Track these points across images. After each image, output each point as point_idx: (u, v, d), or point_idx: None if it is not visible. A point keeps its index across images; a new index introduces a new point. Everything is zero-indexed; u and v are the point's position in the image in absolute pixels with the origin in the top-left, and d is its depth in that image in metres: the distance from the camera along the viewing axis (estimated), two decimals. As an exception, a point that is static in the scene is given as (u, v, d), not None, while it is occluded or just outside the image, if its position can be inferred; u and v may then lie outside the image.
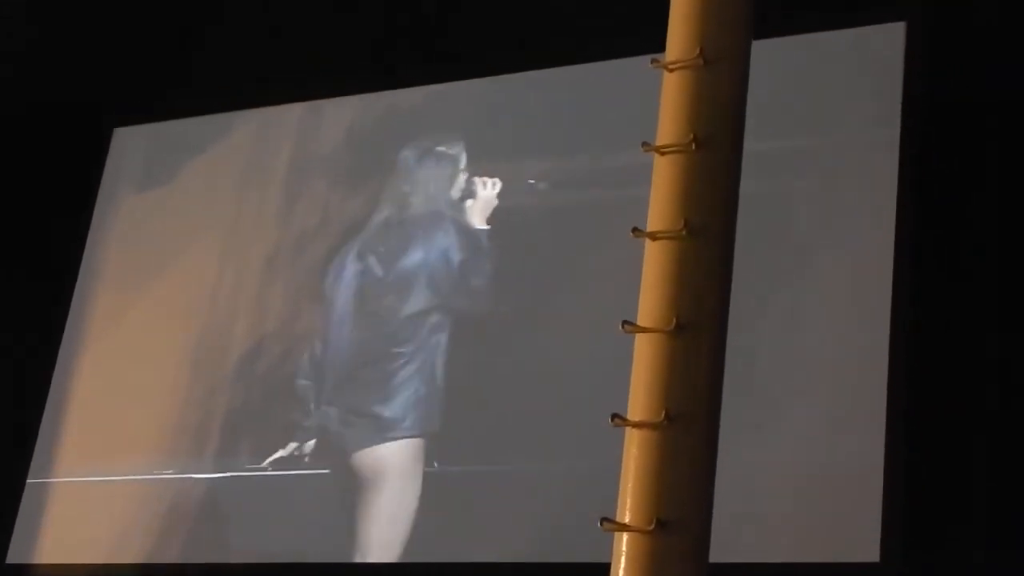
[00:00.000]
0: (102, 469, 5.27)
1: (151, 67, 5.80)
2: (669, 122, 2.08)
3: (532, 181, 4.87)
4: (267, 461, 5.00)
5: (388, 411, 4.82)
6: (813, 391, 4.14)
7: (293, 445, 4.97)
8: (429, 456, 4.72)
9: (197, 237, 5.49)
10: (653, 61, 2.16)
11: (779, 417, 4.15)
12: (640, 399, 1.91)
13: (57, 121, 5.76)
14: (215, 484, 5.06)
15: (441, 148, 5.10)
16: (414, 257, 4.97)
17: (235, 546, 4.96)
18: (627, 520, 1.86)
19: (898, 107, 4.20)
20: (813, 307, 4.23)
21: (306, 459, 4.94)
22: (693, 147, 2.03)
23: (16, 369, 5.57)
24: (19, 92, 5.83)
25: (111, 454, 5.28)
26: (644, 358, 1.94)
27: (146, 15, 5.85)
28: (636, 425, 1.89)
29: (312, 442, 4.94)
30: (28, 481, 5.39)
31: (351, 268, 5.12)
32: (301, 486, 4.92)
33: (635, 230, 2.04)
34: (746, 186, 2.07)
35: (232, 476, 5.04)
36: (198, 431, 5.16)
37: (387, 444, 4.79)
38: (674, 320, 1.93)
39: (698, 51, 2.09)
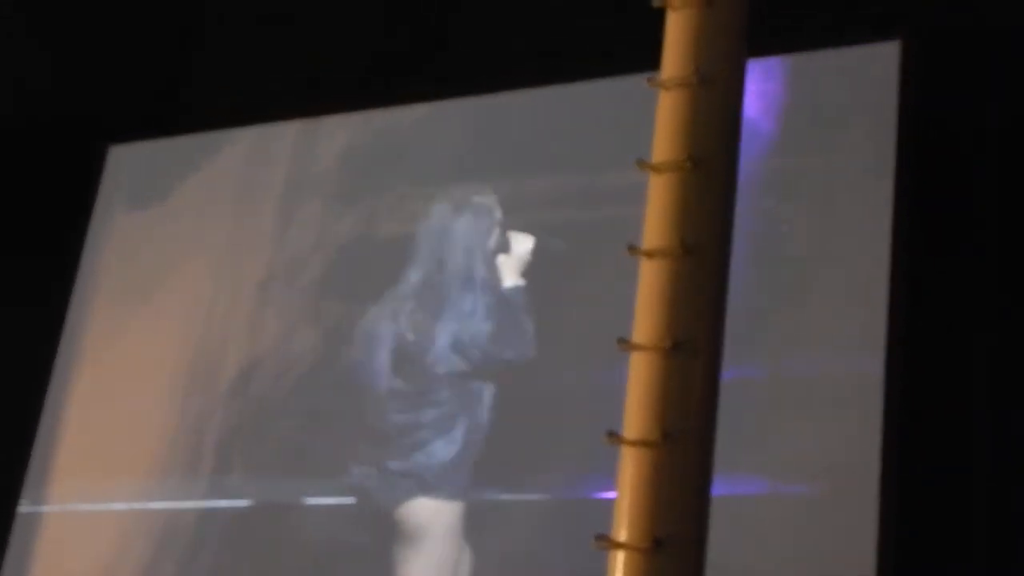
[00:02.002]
0: (94, 497, 5.25)
1: (146, 85, 5.81)
2: (664, 141, 2.08)
3: (529, 199, 4.87)
4: (261, 490, 4.98)
5: (384, 437, 4.82)
6: (808, 410, 4.14)
7: (289, 473, 4.97)
8: (430, 486, 4.72)
9: (192, 256, 5.49)
10: (649, 80, 2.16)
11: (774, 436, 4.14)
12: (635, 417, 1.91)
13: (52, 139, 5.76)
14: (207, 513, 5.04)
15: (439, 168, 5.10)
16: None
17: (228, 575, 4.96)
18: (623, 538, 1.86)
19: (893, 126, 4.21)
20: (808, 326, 4.23)
21: (303, 488, 4.92)
22: (689, 166, 2.02)
23: (8, 396, 5.55)
24: (15, 110, 5.83)
25: (103, 482, 5.26)
26: (639, 377, 1.93)
27: (142, 34, 5.86)
28: (632, 443, 1.89)
29: (309, 471, 4.94)
30: (19, 510, 5.36)
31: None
32: (296, 516, 4.90)
33: (631, 248, 2.04)
34: (741, 205, 2.07)
35: (224, 505, 5.02)
36: (191, 458, 5.15)
37: (387, 476, 4.78)
38: (670, 339, 1.93)
39: (693, 69, 2.09)
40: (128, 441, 5.26)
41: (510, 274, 4.79)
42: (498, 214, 4.90)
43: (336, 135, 5.42)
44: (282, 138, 5.53)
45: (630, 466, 1.87)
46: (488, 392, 4.67)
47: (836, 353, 4.14)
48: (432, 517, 4.64)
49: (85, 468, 5.33)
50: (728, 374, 1.94)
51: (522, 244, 4.80)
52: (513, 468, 4.57)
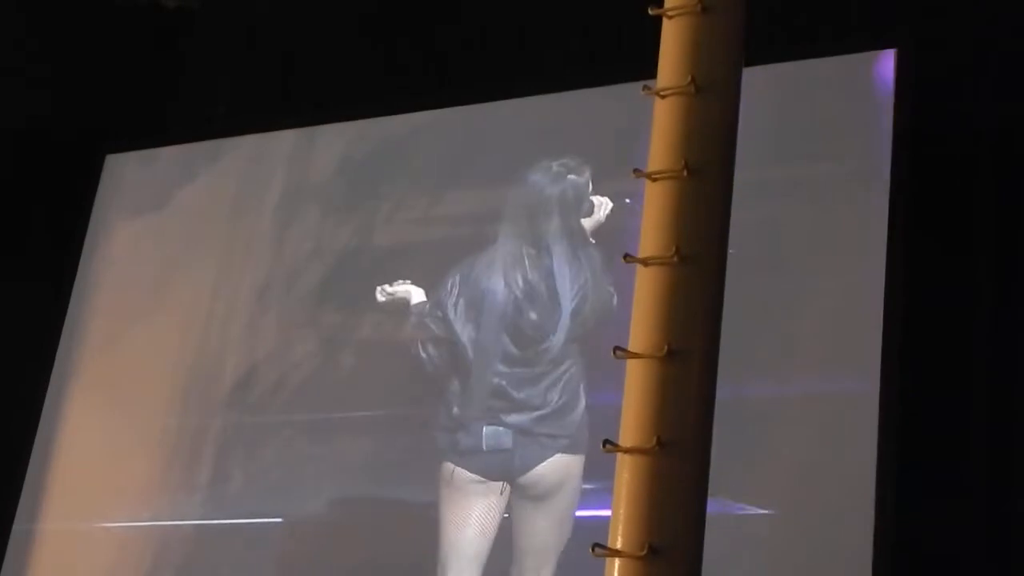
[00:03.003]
0: (89, 515, 5.23)
1: (143, 94, 5.81)
2: (660, 149, 2.08)
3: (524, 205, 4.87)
4: (259, 503, 4.97)
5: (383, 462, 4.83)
6: (803, 419, 4.14)
7: (283, 490, 4.96)
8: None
9: (189, 265, 5.48)
10: (645, 88, 2.16)
11: (770, 442, 4.14)
12: (631, 425, 1.91)
13: (50, 148, 5.77)
14: (202, 531, 5.02)
15: (436, 176, 5.10)
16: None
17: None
18: (619, 546, 1.85)
19: (889, 134, 4.21)
20: (804, 336, 4.23)
21: (296, 506, 4.91)
22: (685, 174, 2.03)
23: (3, 410, 5.53)
24: (13, 119, 5.83)
25: (98, 500, 5.24)
26: (635, 384, 1.93)
27: (139, 43, 5.86)
28: (627, 451, 1.89)
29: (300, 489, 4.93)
30: (14, 527, 5.34)
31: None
32: (290, 534, 4.89)
33: (627, 256, 2.04)
34: (737, 213, 2.07)
35: (219, 523, 5.00)
36: (189, 474, 5.13)
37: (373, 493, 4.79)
38: (666, 346, 1.93)
39: (690, 78, 2.09)
40: (124, 457, 5.25)
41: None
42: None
43: (333, 143, 5.42)
44: (279, 146, 5.53)
45: (626, 474, 1.87)
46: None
47: (831, 362, 4.14)
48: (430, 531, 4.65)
49: (81, 485, 5.31)
50: (722, 382, 1.94)
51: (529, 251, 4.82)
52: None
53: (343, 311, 5.09)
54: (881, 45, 4.31)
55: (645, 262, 2.01)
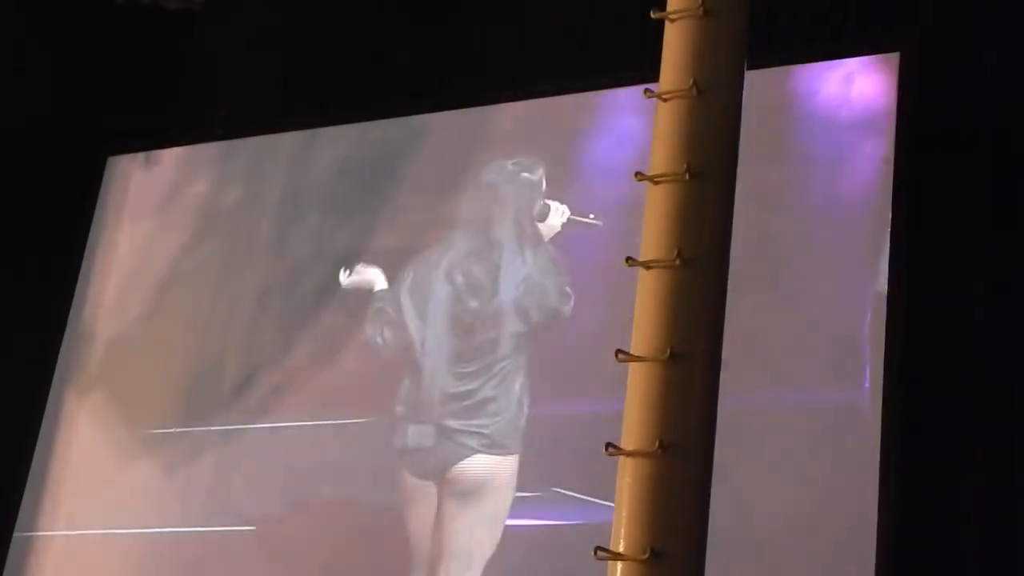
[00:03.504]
0: (89, 522, 5.22)
1: (146, 96, 5.81)
2: (663, 152, 2.08)
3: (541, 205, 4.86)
4: (257, 514, 4.95)
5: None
6: (805, 429, 4.13)
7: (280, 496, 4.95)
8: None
9: (190, 266, 5.48)
10: (647, 91, 2.15)
11: (771, 446, 4.13)
12: (634, 428, 1.91)
13: (52, 149, 5.77)
14: (203, 537, 5.01)
15: (437, 178, 5.10)
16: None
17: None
18: (621, 549, 1.85)
19: (892, 137, 4.20)
20: (805, 336, 4.22)
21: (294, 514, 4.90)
22: (687, 177, 2.02)
23: (4, 415, 5.52)
24: (15, 119, 5.83)
25: (99, 505, 5.23)
26: (638, 387, 1.93)
27: (141, 45, 5.86)
28: (630, 454, 1.89)
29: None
30: (15, 534, 5.33)
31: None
32: (288, 539, 4.88)
33: (629, 259, 2.04)
34: (739, 216, 2.07)
35: (220, 530, 4.99)
36: (189, 480, 5.12)
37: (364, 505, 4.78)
38: (668, 349, 1.93)
39: (692, 81, 2.09)
40: (125, 461, 5.24)
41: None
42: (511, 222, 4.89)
43: (334, 146, 5.42)
44: (280, 149, 5.53)
45: (628, 476, 1.87)
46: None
47: (832, 365, 4.13)
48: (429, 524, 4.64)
49: (81, 490, 5.30)
50: (724, 385, 1.94)
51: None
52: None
53: (343, 313, 5.09)
54: (886, 48, 4.30)
55: (647, 265, 2.01)
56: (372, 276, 5.02)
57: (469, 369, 4.74)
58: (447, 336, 4.82)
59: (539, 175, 4.88)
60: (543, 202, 4.84)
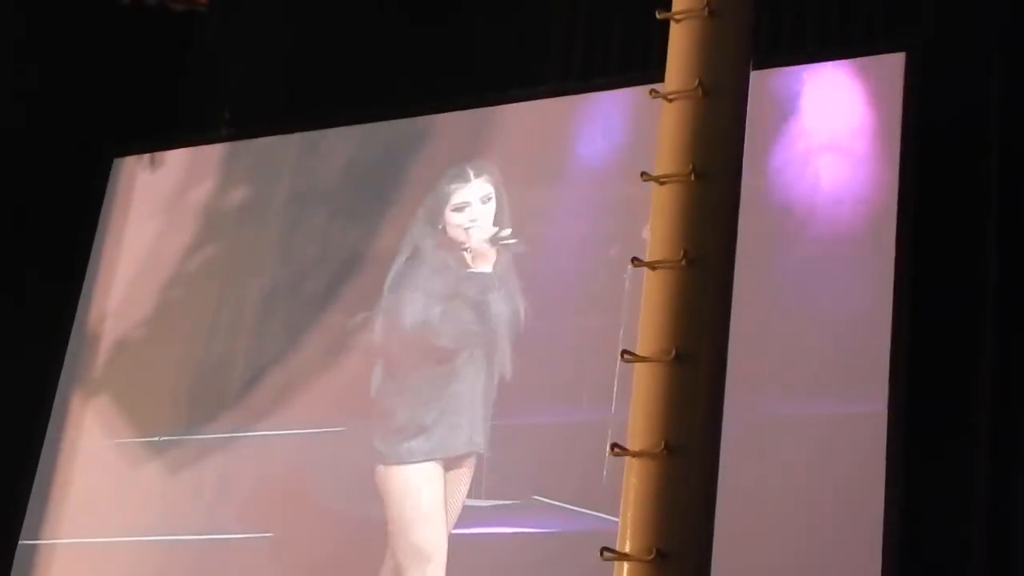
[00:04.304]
0: (95, 530, 5.21)
1: (151, 97, 5.82)
2: (668, 152, 2.08)
3: (535, 209, 4.85)
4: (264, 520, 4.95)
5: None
6: (811, 436, 4.11)
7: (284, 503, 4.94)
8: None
9: (196, 268, 5.48)
10: (652, 91, 2.15)
11: (775, 447, 4.13)
12: (640, 429, 1.90)
13: (57, 150, 5.77)
14: (209, 544, 5.00)
15: (445, 177, 5.09)
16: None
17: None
18: (627, 550, 1.85)
19: (898, 139, 4.19)
20: (811, 339, 4.20)
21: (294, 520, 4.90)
22: (692, 178, 2.02)
23: (10, 417, 5.51)
24: (18, 120, 5.83)
25: (104, 512, 5.22)
26: (643, 388, 1.93)
27: (147, 46, 5.86)
28: (636, 455, 1.89)
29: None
30: (20, 542, 5.32)
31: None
32: (295, 546, 4.88)
33: (635, 260, 2.04)
34: (744, 217, 2.07)
35: (222, 539, 4.98)
36: (193, 489, 5.11)
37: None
38: (673, 350, 1.93)
39: (697, 82, 2.09)
40: (131, 466, 5.23)
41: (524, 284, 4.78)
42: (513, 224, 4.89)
43: (338, 147, 5.41)
44: (285, 150, 5.52)
45: (634, 477, 1.87)
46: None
47: (838, 387, 4.10)
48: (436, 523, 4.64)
49: (86, 497, 5.29)
50: (730, 386, 1.94)
51: (533, 254, 4.80)
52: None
53: (348, 314, 5.08)
54: (891, 49, 4.28)
55: (653, 266, 2.01)
56: None
57: (432, 373, 4.78)
58: (410, 346, 4.85)
59: (451, 185, 4.92)
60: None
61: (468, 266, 4.85)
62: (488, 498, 4.58)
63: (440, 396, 4.72)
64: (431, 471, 4.68)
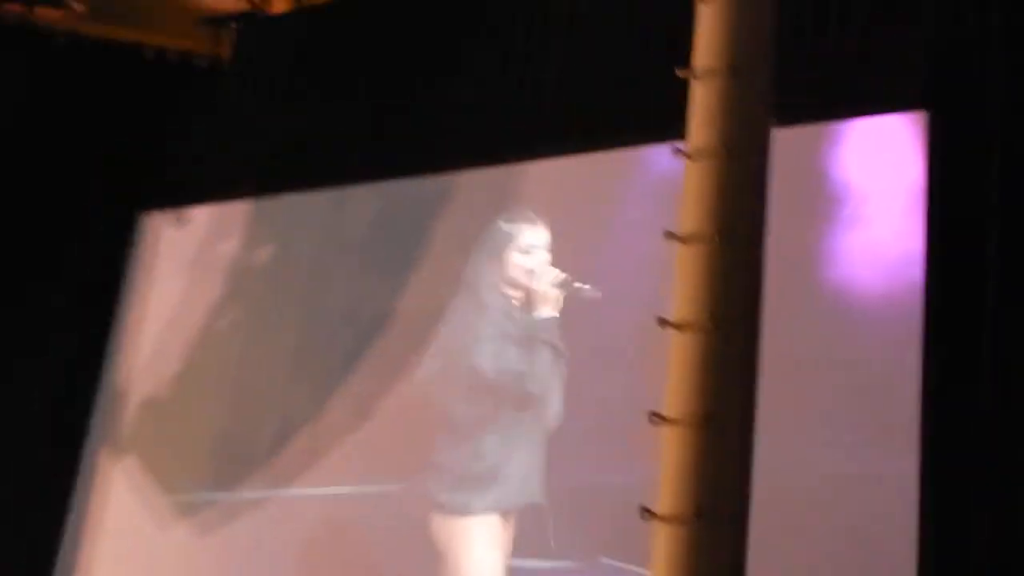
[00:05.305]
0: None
1: (178, 152, 5.84)
2: (691, 212, 2.08)
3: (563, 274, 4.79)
4: None
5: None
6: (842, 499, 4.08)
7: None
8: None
9: (225, 324, 5.47)
10: (676, 150, 2.15)
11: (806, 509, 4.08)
12: (668, 493, 1.89)
13: (85, 206, 5.79)
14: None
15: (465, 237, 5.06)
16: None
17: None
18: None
19: (922, 196, 4.15)
20: (841, 413, 4.15)
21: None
22: (716, 238, 2.02)
23: (39, 484, 5.51)
24: (44, 175, 5.86)
25: (134, 573, 5.22)
26: (672, 451, 1.92)
27: (173, 103, 5.89)
28: (665, 519, 1.88)
29: None
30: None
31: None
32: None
33: (661, 320, 2.03)
34: (770, 275, 2.06)
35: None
36: (222, 548, 5.10)
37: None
38: (702, 412, 1.92)
39: (720, 140, 2.09)
40: (159, 527, 5.22)
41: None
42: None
43: (365, 205, 5.40)
44: (312, 207, 5.52)
45: (663, 543, 1.86)
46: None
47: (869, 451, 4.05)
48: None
49: (116, 556, 5.29)
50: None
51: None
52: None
53: (376, 374, 5.04)
54: (914, 107, 4.25)
55: (679, 327, 2.00)
56: None
57: (482, 426, 4.73)
58: (457, 401, 4.79)
59: (513, 227, 4.85)
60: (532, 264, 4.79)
61: (528, 309, 4.76)
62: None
63: (509, 444, 4.66)
64: (493, 523, 4.61)
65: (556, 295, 4.68)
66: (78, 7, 5.90)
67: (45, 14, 5.92)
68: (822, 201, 4.35)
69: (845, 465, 4.06)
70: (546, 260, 4.75)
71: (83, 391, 5.62)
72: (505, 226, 4.87)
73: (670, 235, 2.10)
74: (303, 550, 4.93)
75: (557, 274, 4.68)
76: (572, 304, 4.68)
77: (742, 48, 2.11)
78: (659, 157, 4.53)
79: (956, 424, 3.91)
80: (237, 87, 5.88)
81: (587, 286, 4.62)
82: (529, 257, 4.79)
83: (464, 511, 4.60)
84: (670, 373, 1.98)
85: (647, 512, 1.90)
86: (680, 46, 2.26)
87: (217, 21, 5.98)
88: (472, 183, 5.17)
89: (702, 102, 2.15)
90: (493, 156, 5.12)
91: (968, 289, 4.02)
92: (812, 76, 4.14)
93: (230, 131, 5.85)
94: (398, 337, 5.03)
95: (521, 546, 4.53)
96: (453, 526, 4.60)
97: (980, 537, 3.80)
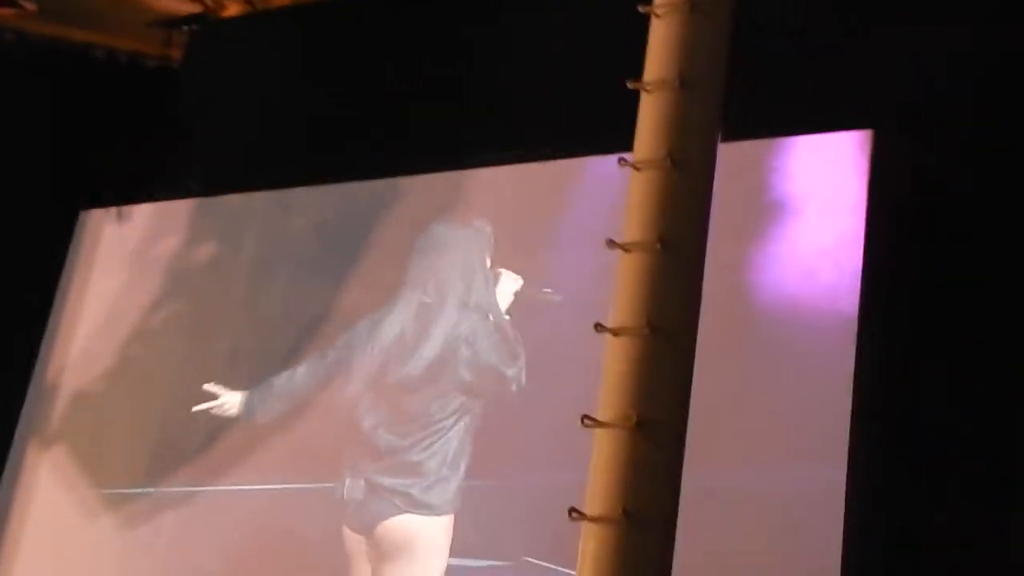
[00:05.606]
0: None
1: (121, 150, 5.82)
2: (635, 222, 2.10)
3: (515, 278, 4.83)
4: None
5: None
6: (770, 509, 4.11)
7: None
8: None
9: (161, 322, 5.46)
10: (621, 160, 2.17)
11: (734, 516, 4.11)
12: (598, 494, 1.91)
13: (25, 202, 5.75)
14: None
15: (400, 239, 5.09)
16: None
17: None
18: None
19: (863, 214, 4.22)
20: (774, 411, 4.20)
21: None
22: (658, 247, 2.04)
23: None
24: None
25: (57, 565, 5.18)
26: (603, 453, 1.94)
27: (119, 101, 5.87)
28: (593, 519, 1.89)
29: None
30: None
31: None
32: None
33: (598, 326, 2.05)
34: (709, 286, 2.08)
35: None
36: (149, 543, 5.07)
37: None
38: (634, 416, 1.93)
39: (666, 152, 2.11)
40: (86, 522, 5.19)
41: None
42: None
43: (308, 207, 5.42)
44: (254, 208, 5.53)
45: (592, 542, 1.87)
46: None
47: (798, 459, 4.10)
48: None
49: (40, 548, 5.25)
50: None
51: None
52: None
53: (311, 375, 5.06)
54: (859, 125, 4.31)
55: (616, 332, 2.02)
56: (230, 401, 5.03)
57: (402, 429, 4.74)
58: (384, 396, 4.81)
59: (488, 230, 4.90)
60: (495, 269, 4.83)
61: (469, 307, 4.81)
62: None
63: (445, 444, 4.69)
64: (431, 523, 4.63)
65: (497, 296, 4.74)
66: (29, 6, 5.87)
67: (-5, 11, 5.90)
68: (763, 215, 4.40)
69: (774, 474, 4.09)
70: (486, 263, 4.81)
71: (14, 385, 5.59)
72: (443, 228, 4.93)
73: (612, 243, 2.11)
74: (232, 545, 4.91)
75: (496, 274, 4.75)
76: (516, 306, 4.72)
77: (694, 62, 2.13)
78: (604, 167, 4.57)
79: (886, 437, 3.96)
80: (186, 89, 5.87)
81: (546, 289, 4.67)
82: (470, 258, 4.85)
83: (394, 511, 4.62)
84: (604, 377, 2.00)
85: (575, 512, 1.91)
86: (630, 58, 2.28)
87: (169, 24, 5.97)
88: (418, 187, 5.19)
89: (650, 114, 2.17)
90: (440, 161, 5.15)
91: (903, 306, 4.08)
92: (760, 92, 4.18)
93: (175, 131, 5.84)
94: (336, 337, 5.04)
95: (455, 546, 4.55)
96: (385, 526, 4.63)
97: (904, 551, 3.85)
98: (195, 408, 4.99)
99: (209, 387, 5.03)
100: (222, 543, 4.94)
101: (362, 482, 4.72)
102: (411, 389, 4.77)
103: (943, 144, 4.16)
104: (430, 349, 4.77)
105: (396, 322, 4.89)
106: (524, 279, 4.79)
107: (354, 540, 4.70)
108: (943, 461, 3.90)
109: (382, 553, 4.62)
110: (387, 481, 4.68)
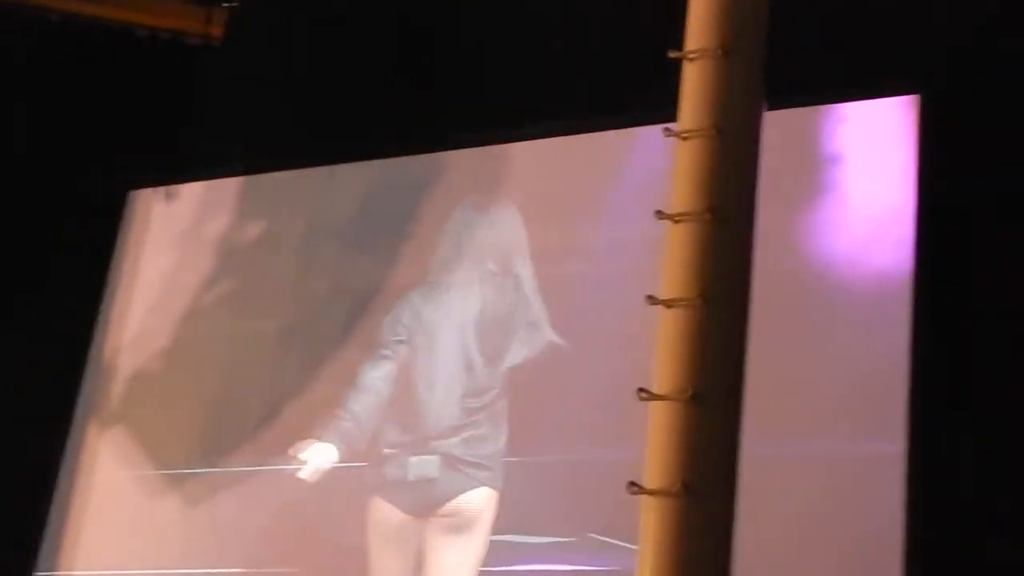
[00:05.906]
0: (110, 562, 5.20)
1: (167, 130, 5.84)
2: (683, 191, 2.09)
3: (546, 249, 4.84)
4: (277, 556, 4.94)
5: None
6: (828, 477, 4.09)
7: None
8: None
9: (213, 300, 5.48)
10: (666, 130, 2.16)
11: (793, 486, 4.11)
12: (655, 468, 1.91)
13: (74, 183, 5.79)
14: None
15: (455, 214, 5.09)
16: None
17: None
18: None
19: (913, 180, 4.18)
20: (830, 379, 4.17)
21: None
22: (708, 217, 2.03)
23: (25, 458, 5.51)
24: (39, 155, 5.86)
25: (119, 544, 5.22)
26: (659, 427, 1.94)
27: (162, 79, 5.89)
28: (652, 493, 1.90)
29: None
30: (35, 574, 5.31)
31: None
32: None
33: (650, 298, 2.05)
34: (760, 255, 2.07)
35: (239, 572, 4.97)
36: (210, 523, 5.10)
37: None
38: (690, 389, 1.93)
39: (711, 121, 2.10)
40: (146, 499, 5.23)
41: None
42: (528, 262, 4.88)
43: (355, 182, 5.42)
44: (301, 184, 5.54)
45: (652, 517, 1.87)
46: None
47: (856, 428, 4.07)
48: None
49: (102, 529, 5.29)
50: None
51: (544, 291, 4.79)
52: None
53: (363, 349, 5.07)
54: (905, 90, 4.27)
55: (668, 304, 2.02)
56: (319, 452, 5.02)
57: (471, 404, 4.76)
58: (449, 371, 4.83)
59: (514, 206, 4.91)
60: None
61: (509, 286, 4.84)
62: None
63: (498, 423, 4.71)
64: (481, 500, 4.66)
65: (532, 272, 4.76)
66: (72, -13, 5.90)
67: (38, -7, 5.92)
68: (814, 182, 4.38)
69: (832, 443, 4.09)
70: (524, 238, 4.83)
71: (72, 366, 5.63)
72: (479, 206, 4.94)
73: (660, 214, 2.11)
74: (290, 523, 4.95)
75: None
76: (560, 283, 4.72)
77: (736, 29, 2.12)
78: (651, 138, 4.55)
79: (945, 405, 3.95)
80: (229, 66, 5.87)
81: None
82: (507, 235, 4.86)
83: (473, 484, 4.64)
84: (658, 350, 2.00)
85: (635, 487, 1.92)
86: (672, 27, 2.27)
87: (208, 2, 5.98)
88: (461, 162, 5.19)
89: (694, 83, 2.16)
90: (483, 136, 5.15)
91: (957, 271, 4.06)
92: (806, 59, 4.15)
93: (220, 109, 5.86)
94: (386, 312, 5.06)
95: (510, 522, 4.56)
96: (460, 500, 4.65)
97: (970, 521, 3.84)
98: (301, 474, 4.94)
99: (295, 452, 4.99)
100: (281, 521, 4.96)
101: (436, 458, 4.72)
102: (497, 361, 4.79)
103: (991, 108, 4.13)
104: (526, 318, 4.77)
105: (473, 298, 4.89)
106: (567, 253, 4.79)
107: (397, 522, 4.71)
108: (1002, 427, 3.89)
109: (450, 529, 4.63)
110: (467, 455, 4.69)
